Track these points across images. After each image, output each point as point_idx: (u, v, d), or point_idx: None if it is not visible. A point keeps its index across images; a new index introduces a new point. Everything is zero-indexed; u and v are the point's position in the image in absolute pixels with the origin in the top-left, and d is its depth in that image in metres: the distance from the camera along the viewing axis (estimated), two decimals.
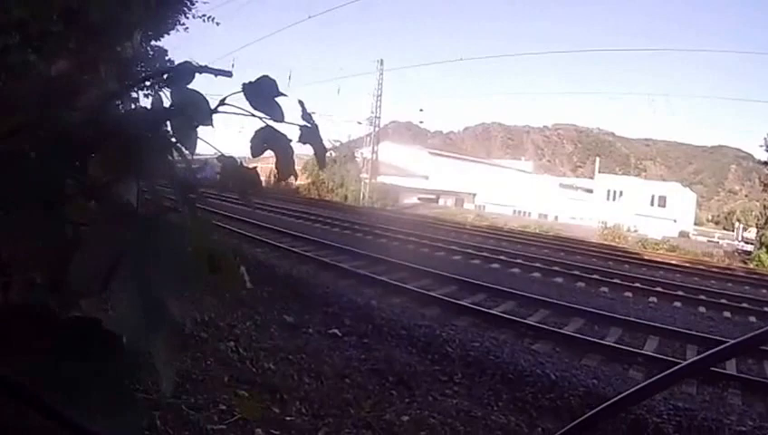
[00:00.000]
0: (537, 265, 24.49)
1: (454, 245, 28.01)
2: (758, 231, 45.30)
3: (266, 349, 10.22)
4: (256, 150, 1.59)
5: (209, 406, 7.24)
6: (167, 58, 14.86)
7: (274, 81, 1.58)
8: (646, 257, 34.01)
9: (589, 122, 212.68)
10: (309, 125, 1.58)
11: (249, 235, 24.37)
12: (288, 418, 7.40)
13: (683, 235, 66.44)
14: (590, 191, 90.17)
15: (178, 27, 16.13)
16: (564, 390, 10.32)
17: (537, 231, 46.81)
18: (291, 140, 1.60)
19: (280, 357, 9.96)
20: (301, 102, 1.60)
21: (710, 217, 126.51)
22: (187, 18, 16.26)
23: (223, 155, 1.66)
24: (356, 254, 22.02)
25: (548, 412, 9.56)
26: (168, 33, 15.77)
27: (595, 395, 9.99)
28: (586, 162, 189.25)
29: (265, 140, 1.58)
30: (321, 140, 1.63)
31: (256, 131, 1.58)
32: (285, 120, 1.56)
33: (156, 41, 15.22)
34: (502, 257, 25.60)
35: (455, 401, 9.36)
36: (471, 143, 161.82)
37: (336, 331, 12.76)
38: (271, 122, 1.54)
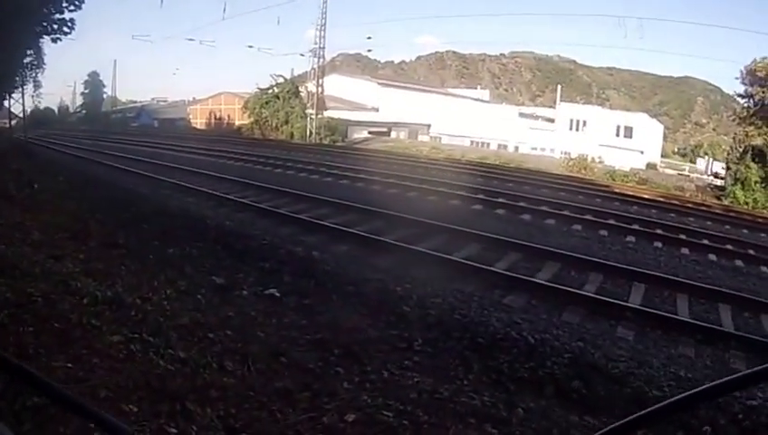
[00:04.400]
0: (501, 200, 22.81)
1: (407, 180, 26.20)
2: (728, 166, 44.33)
3: (182, 327, 8.41)
4: None
5: None
6: None
7: None
8: (616, 190, 32.86)
9: (548, 50, 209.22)
10: None
11: (181, 183, 22.69)
12: None
13: (650, 167, 65.56)
14: (552, 121, 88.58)
15: None
16: (546, 356, 8.86)
17: (498, 163, 45.07)
18: None
19: (198, 337, 8.19)
20: None
21: (676, 150, 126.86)
22: None
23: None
24: (298, 197, 20.39)
25: (529, 386, 8.00)
26: None
27: (583, 363, 8.63)
28: (545, 91, 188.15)
29: None
30: None
31: None
32: None
33: None
34: (462, 193, 23.71)
35: (416, 379, 7.71)
36: (424, 73, 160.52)
37: (274, 291, 11.12)
38: None
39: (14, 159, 29.72)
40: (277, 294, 10.92)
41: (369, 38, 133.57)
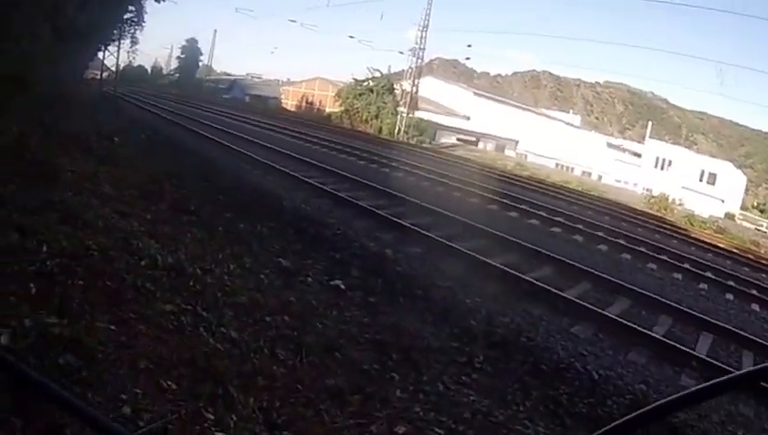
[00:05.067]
0: (579, 226, 21.98)
1: (490, 193, 25.23)
2: None
3: (239, 306, 8.08)
4: None
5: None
6: None
7: None
8: (693, 235, 31.52)
9: (642, 85, 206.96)
10: None
11: (263, 160, 22.45)
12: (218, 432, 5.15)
13: (729, 217, 63.40)
14: (639, 156, 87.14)
15: None
16: (607, 394, 8.44)
17: (580, 189, 44.29)
18: None
19: (254, 319, 7.85)
20: None
21: (755, 204, 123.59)
22: None
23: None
24: (378, 191, 19.92)
25: (586, 423, 7.52)
26: None
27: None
28: (635, 125, 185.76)
29: None
30: None
31: None
32: None
33: None
34: (541, 213, 23.04)
35: (471, 398, 7.30)
36: (519, 90, 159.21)
37: (339, 283, 10.71)
38: None
39: (98, 111, 30.22)
40: (342, 287, 10.53)
41: (470, 46, 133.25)
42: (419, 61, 69.94)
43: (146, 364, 5.65)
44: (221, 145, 25.66)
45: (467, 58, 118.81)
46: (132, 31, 44.14)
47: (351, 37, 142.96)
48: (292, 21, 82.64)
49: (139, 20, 42.37)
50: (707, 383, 1.39)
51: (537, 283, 12.57)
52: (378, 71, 72.89)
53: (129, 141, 21.89)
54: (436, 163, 34.27)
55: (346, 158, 29.68)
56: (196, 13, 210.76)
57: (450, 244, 14.13)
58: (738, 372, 1.49)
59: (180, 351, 6.11)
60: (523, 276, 12.78)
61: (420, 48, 68.88)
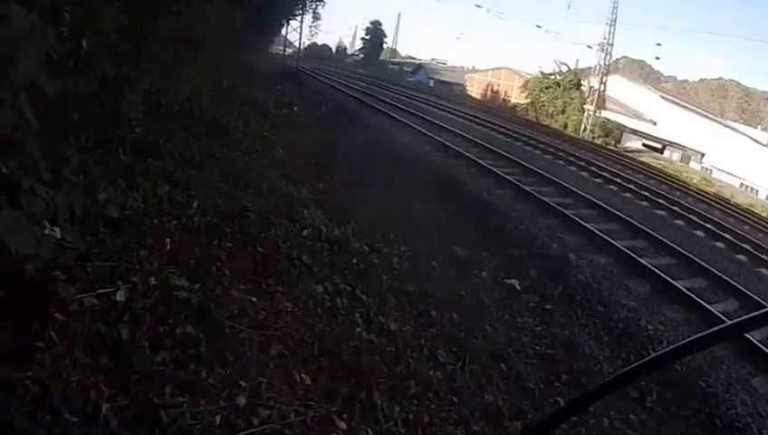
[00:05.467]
0: (765, 257, 19.34)
1: (676, 205, 23.39)
2: None
3: (404, 294, 7.52)
4: None
5: None
6: None
7: None
8: None
9: None
10: None
11: (446, 143, 21.55)
12: None
13: None
14: None
15: None
16: None
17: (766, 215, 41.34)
18: None
19: (418, 311, 7.27)
20: None
21: None
22: None
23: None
24: (564, 189, 18.46)
25: None
26: None
27: None
28: None
29: None
30: None
31: None
32: None
33: None
34: (727, 236, 20.68)
35: None
36: (705, 98, 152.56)
37: (516, 282, 9.96)
38: None
39: (279, 83, 30.45)
40: (518, 287, 9.82)
41: (659, 45, 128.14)
42: (608, 57, 67.58)
43: (280, 350, 5.14)
44: (403, 124, 24.99)
45: (657, 58, 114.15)
46: (314, 6, 43.93)
47: (539, 27, 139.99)
48: (478, 6, 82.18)
49: None
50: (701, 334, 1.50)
51: (722, 317, 10.87)
52: (564, 64, 71.16)
53: (308, 111, 21.98)
54: (622, 167, 32.53)
55: (531, 151, 28.24)
56: None
57: (637, 258, 12.93)
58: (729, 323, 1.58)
59: (325, 339, 5.54)
60: (707, 307, 11.32)
61: (609, 43, 66.78)
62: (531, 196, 16.15)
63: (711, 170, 70.21)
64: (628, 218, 16.27)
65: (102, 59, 6.53)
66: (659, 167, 46.62)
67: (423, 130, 23.59)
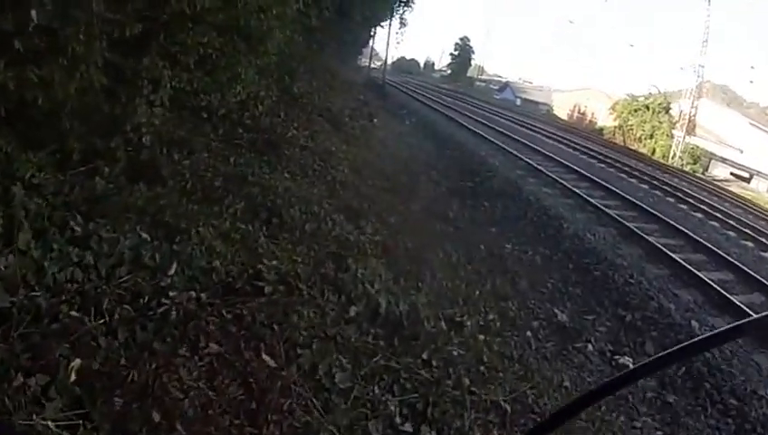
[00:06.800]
0: None
1: None
2: None
3: (491, 408, 5.10)
4: None
5: None
6: None
7: None
8: None
9: None
10: None
11: (537, 166, 19.26)
12: None
13: None
14: None
15: None
16: None
17: None
18: None
19: (484, 406, 5.03)
20: None
21: None
22: None
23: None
24: (671, 229, 15.61)
25: None
26: None
27: None
28: None
29: None
30: None
31: None
32: None
33: None
34: None
35: None
36: None
37: (629, 361, 7.78)
38: None
39: (362, 93, 28.62)
40: (630, 364, 7.53)
41: (753, 68, 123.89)
42: (699, 79, 64.97)
43: None
44: (491, 143, 23.05)
45: (751, 81, 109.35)
46: (401, 11, 42.08)
47: (632, 46, 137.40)
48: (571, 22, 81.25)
49: (408, 1, 40.41)
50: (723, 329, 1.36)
51: None
52: (655, 87, 69.33)
53: (390, 125, 20.69)
54: (721, 199, 30.06)
55: (626, 178, 25.82)
56: (467, 10, 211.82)
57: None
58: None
59: None
60: None
61: (700, 65, 64.28)
62: (636, 235, 13.69)
63: None
64: (742, 267, 13.41)
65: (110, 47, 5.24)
66: (749, 197, 44.12)
67: (512, 151, 21.54)
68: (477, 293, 7.68)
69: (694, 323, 9.52)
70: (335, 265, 5.92)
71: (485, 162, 18.32)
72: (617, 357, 7.82)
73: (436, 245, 8.97)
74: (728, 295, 10.95)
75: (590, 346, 7.82)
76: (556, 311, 8.43)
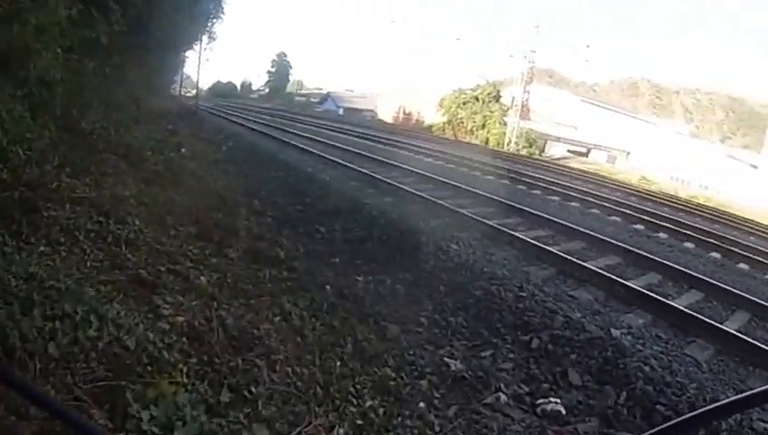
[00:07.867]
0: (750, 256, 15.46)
1: (646, 215, 19.52)
2: None
3: None
4: None
5: None
6: None
7: None
8: None
9: (744, 91, 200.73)
10: None
11: (372, 174, 17.50)
12: None
13: None
14: (755, 167, 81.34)
15: None
16: None
17: (713, 206, 38.12)
18: None
19: None
20: None
21: None
22: None
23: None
24: (536, 218, 14.35)
25: None
26: None
27: None
28: (737, 134, 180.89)
29: None
30: None
31: None
32: None
33: None
34: (712, 241, 16.55)
35: None
36: (617, 98, 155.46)
37: (559, 407, 6.02)
38: None
39: (172, 123, 26.16)
40: (564, 412, 5.89)
41: (588, 46, 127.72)
42: (531, 64, 66.77)
43: None
44: (319, 157, 21.36)
45: (587, 60, 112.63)
46: (210, 24, 39.24)
47: (458, 39, 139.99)
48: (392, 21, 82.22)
49: (216, 12, 37.74)
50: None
51: None
52: (482, 77, 70.74)
53: (203, 153, 18.87)
54: (571, 178, 29.26)
55: (467, 172, 24.19)
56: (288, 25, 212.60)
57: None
58: None
59: None
60: None
61: (531, 51, 65.55)
62: (507, 235, 11.94)
63: (639, 168, 69.44)
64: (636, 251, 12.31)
65: None
66: (593, 171, 45.65)
67: (342, 162, 19.83)
68: (338, 365, 5.67)
69: (615, 332, 7.54)
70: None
71: (315, 179, 16.41)
72: (540, 402, 5.91)
73: (268, 306, 6.80)
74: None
75: (502, 396, 5.80)
76: (444, 357, 6.44)
